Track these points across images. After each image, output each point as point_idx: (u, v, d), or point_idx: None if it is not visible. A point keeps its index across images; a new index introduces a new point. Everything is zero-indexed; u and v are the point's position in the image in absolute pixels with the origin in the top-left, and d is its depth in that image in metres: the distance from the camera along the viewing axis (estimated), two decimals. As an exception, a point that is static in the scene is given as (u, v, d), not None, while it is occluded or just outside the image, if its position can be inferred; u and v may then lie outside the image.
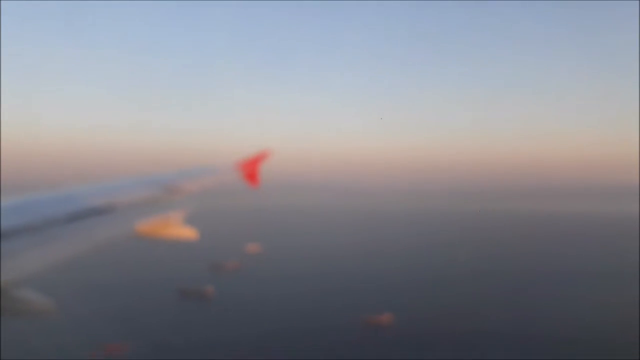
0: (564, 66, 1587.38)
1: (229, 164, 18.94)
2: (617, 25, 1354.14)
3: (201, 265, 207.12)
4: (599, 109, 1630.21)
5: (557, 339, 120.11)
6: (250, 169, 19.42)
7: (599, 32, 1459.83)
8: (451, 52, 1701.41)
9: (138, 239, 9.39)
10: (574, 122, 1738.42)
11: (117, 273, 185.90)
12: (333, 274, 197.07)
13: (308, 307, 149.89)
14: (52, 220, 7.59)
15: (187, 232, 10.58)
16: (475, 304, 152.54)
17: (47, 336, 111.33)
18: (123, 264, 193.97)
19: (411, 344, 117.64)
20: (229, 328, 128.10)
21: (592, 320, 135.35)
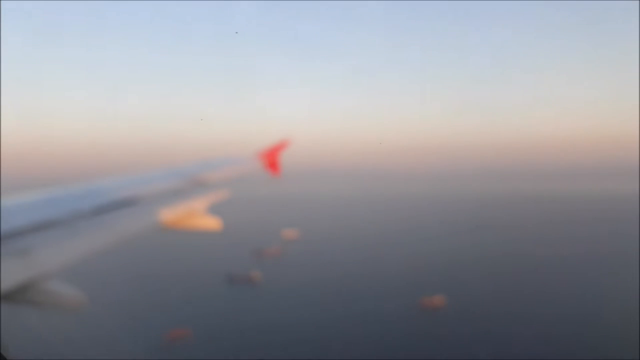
0: (567, 50, 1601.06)
1: (250, 154, 19.29)
2: (616, 14, 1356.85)
3: (241, 252, 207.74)
4: (600, 89, 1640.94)
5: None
6: (271, 157, 19.63)
7: (599, 22, 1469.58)
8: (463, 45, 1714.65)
9: (164, 230, 9.22)
10: (575, 103, 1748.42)
11: (159, 264, 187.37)
12: (373, 258, 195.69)
13: (357, 290, 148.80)
14: (79, 213, 7.56)
15: (212, 223, 10.50)
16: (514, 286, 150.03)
17: (111, 325, 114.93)
18: (161, 255, 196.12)
19: (467, 325, 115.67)
20: (285, 312, 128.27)
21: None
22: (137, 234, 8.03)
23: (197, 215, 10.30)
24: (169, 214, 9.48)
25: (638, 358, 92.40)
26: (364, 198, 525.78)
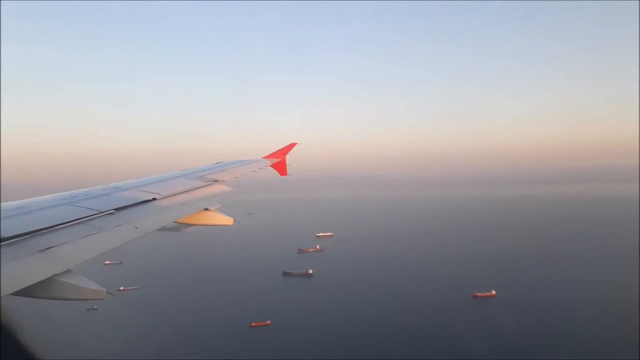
0: (567, 54, 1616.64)
1: (259, 157, 20.71)
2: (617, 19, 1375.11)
3: (284, 251, 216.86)
4: (600, 91, 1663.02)
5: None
6: (279, 159, 21.07)
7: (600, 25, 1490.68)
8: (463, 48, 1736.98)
9: (180, 226, 11.56)
10: (576, 106, 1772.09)
11: (215, 262, 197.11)
12: (412, 258, 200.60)
13: (407, 284, 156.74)
14: (100, 211, 7.92)
15: (225, 220, 10.59)
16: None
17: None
18: (216, 254, 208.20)
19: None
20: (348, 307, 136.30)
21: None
22: (156, 231, 8.21)
23: (212, 213, 10.50)
24: (187, 211, 9.83)
25: (638, 358, 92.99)
26: (373, 201, 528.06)
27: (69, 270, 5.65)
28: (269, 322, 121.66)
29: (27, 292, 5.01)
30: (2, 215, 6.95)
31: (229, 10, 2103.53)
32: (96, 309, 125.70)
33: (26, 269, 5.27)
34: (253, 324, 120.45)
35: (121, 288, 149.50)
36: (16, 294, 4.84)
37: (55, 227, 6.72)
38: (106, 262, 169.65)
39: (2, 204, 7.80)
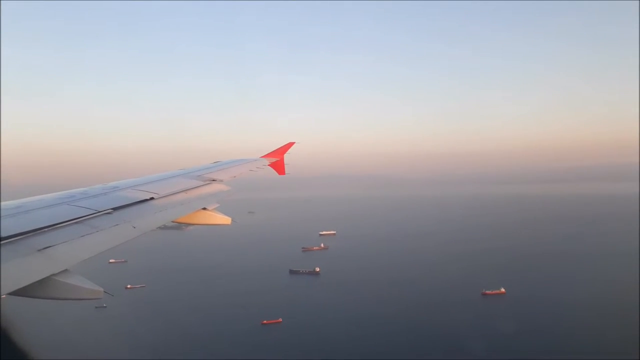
0: (567, 54, 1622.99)
1: (257, 156, 20.78)
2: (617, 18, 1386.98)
3: (289, 249, 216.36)
4: (599, 91, 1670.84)
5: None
6: (277, 159, 21.12)
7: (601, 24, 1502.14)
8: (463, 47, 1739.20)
9: (182, 225, 10.94)
10: (576, 104, 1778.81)
11: (223, 261, 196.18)
12: (417, 256, 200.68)
13: (415, 282, 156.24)
14: (98, 211, 7.90)
15: (223, 219, 10.51)
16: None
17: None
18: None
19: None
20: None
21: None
22: (158, 229, 8.24)
23: (210, 212, 10.44)
24: (184, 211, 9.81)
25: (638, 358, 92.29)
26: (375, 200, 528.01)
27: (66, 270, 5.63)
28: (280, 319, 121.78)
29: (24, 291, 4.98)
30: (1, 215, 6.92)
31: (229, 10, 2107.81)
32: (105, 307, 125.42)
33: (25, 268, 5.25)
34: (265, 321, 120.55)
35: (128, 286, 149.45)
36: (14, 293, 4.79)
37: (53, 227, 6.69)
38: (110, 261, 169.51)
39: (1, 203, 7.77)
